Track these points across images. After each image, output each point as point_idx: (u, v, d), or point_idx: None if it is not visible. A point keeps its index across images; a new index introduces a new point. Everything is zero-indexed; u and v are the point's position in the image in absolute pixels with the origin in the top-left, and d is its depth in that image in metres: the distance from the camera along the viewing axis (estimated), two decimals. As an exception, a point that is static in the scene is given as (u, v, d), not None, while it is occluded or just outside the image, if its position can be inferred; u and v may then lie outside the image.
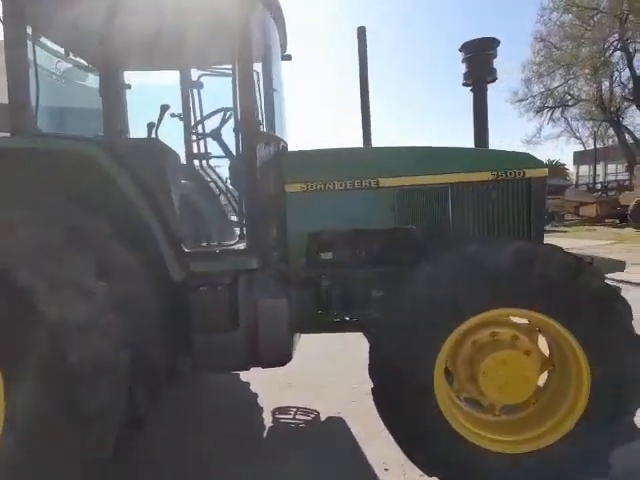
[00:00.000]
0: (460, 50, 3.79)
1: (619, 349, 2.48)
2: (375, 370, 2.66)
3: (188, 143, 4.26)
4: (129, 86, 4.32)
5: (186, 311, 2.81)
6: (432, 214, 3.36)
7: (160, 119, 3.06)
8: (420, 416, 2.61)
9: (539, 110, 33.44)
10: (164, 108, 3.08)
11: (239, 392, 4.23)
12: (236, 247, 2.96)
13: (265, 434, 3.50)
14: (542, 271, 2.50)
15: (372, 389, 2.68)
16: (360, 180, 3.29)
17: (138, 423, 2.65)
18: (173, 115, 4.21)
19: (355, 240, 3.44)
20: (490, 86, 3.84)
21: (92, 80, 4.08)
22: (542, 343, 2.82)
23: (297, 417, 3.74)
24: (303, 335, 3.49)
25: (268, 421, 3.69)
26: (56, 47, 3.63)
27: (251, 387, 4.31)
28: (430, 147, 3.45)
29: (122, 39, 3.05)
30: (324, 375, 4.46)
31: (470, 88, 3.82)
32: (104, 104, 2.78)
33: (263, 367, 2.95)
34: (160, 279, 2.74)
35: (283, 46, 4.13)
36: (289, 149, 3.78)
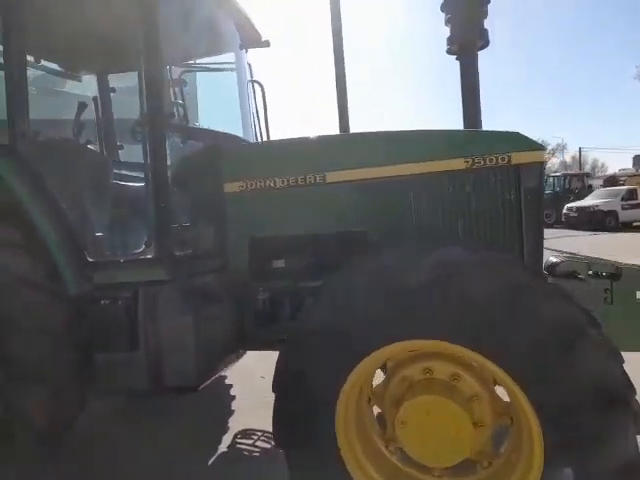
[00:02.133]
0: (442, 10, 3.08)
1: (579, 410, 1.70)
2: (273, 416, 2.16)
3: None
4: (113, 90, 4.28)
5: (85, 327, 2.57)
6: (390, 214, 2.75)
7: (77, 118, 2.87)
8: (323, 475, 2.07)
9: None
10: (81, 107, 2.89)
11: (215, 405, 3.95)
12: (142, 256, 2.65)
13: (213, 458, 3.16)
14: (466, 292, 1.81)
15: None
16: (304, 175, 2.80)
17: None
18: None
19: (302, 246, 2.95)
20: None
21: (72, 86, 4.11)
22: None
23: (257, 443, 3.35)
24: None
25: (225, 444, 3.34)
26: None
27: (233, 402, 4.03)
28: (384, 132, 2.83)
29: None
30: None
31: (455, 57, 3.09)
32: (8, 105, 2.66)
33: (169, 393, 2.61)
34: (58, 291, 2.54)
35: (250, 37, 3.77)
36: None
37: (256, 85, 3.99)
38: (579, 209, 22.42)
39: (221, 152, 3.01)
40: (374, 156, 2.73)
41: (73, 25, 3.29)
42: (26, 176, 2.58)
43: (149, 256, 2.62)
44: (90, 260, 2.65)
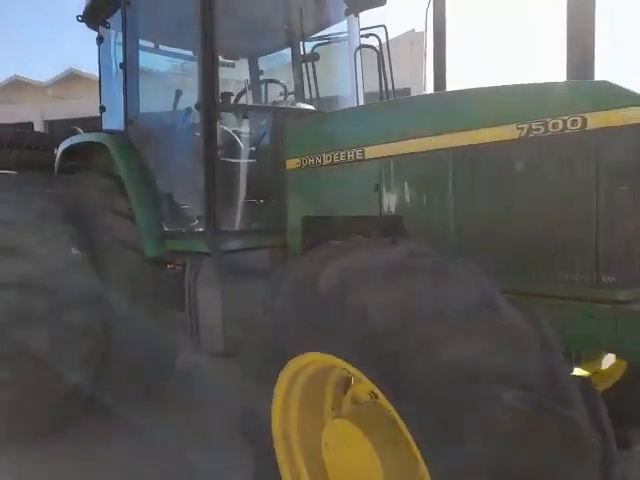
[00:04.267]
0: None
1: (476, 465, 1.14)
2: None
3: None
4: (262, 72, 4.63)
5: (158, 286, 3.03)
6: (426, 197, 2.25)
7: (175, 104, 3.27)
8: None
9: None
10: (178, 94, 3.26)
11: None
12: (196, 229, 2.92)
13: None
14: (362, 308, 1.39)
15: None
16: (346, 151, 2.56)
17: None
18: (283, 94, 4.26)
19: (347, 228, 2.70)
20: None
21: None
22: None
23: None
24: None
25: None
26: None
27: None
28: (419, 97, 2.30)
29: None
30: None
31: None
32: (124, 99, 3.25)
33: (205, 354, 2.85)
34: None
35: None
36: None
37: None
38: None
39: (285, 129, 2.99)
40: (408, 127, 2.29)
41: (229, 17, 3.69)
42: (129, 156, 3.16)
43: (200, 229, 2.88)
44: (166, 229, 3.08)
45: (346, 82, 3.80)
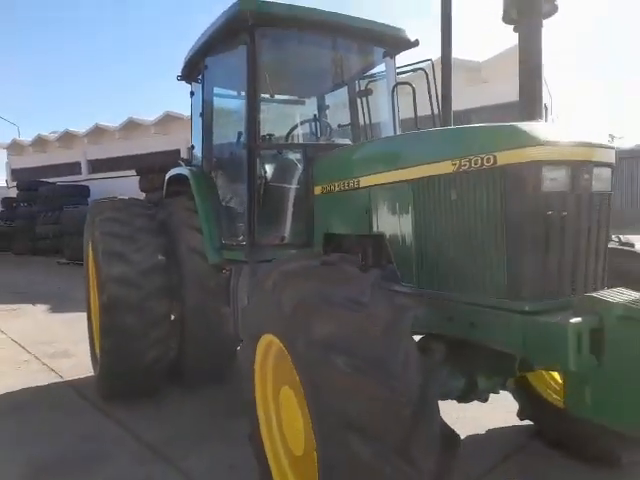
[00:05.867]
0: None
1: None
2: None
3: None
4: (328, 106, 5.33)
5: (216, 286, 3.88)
6: (397, 219, 2.72)
7: (237, 143, 4.11)
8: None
9: None
10: (239, 135, 4.11)
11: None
12: (241, 243, 3.68)
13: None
14: (281, 300, 1.97)
15: None
16: (348, 180, 3.13)
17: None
18: (340, 125, 4.92)
19: (350, 244, 3.24)
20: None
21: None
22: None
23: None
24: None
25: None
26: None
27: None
28: (400, 135, 2.77)
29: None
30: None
31: (513, 27, 2.52)
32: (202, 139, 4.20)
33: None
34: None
35: (393, 44, 4.00)
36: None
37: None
38: None
39: (313, 160, 3.62)
40: (388, 160, 2.78)
41: (301, 68, 4.50)
42: (201, 185, 4.09)
43: (243, 243, 3.65)
44: (223, 242, 3.92)
45: (385, 114, 4.30)
